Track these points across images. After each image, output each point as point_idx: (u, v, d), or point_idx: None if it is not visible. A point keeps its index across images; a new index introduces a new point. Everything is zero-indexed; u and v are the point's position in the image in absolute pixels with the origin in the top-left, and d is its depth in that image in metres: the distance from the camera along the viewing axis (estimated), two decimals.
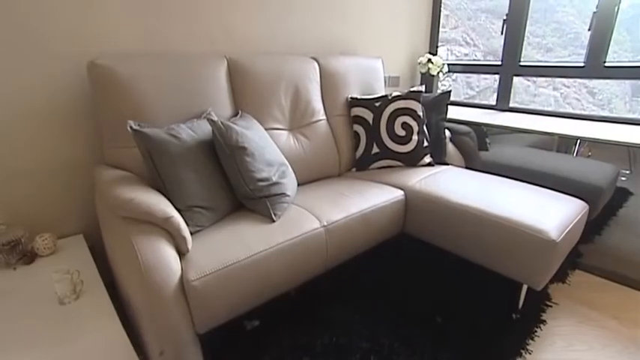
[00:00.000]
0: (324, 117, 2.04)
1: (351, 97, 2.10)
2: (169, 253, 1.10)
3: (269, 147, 1.56)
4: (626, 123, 2.23)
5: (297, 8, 2.12)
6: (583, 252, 2.08)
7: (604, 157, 2.34)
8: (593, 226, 2.27)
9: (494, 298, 1.65)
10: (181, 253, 1.18)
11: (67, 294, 1.16)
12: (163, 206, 1.16)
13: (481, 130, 2.38)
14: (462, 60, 5.54)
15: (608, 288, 1.85)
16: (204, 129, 1.44)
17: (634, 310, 1.68)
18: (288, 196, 1.49)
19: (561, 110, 2.58)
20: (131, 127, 1.24)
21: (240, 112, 1.70)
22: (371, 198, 1.67)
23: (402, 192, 1.78)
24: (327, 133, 2.02)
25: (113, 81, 1.38)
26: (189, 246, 1.19)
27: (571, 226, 1.50)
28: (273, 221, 1.40)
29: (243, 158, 1.38)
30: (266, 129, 1.74)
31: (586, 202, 1.71)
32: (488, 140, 2.44)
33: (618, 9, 2.19)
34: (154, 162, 1.27)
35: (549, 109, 2.58)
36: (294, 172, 1.69)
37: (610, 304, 1.73)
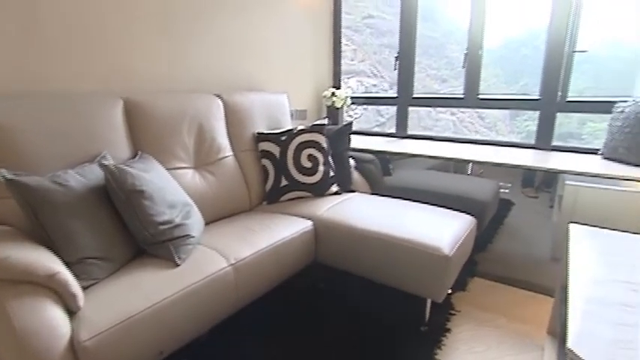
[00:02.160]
0: (231, 153, 2.05)
1: (258, 132, 2.14)
2: (55, 315, 1.00)
3: (171, 188, 1.52)
4: (507, 146, 2.59)
5: (200, 46, 2.14)
6: (478, 260, 2.30)
7: (493, 175, 2.67)
8: (486, 236, 2.55)
9: (403, 315, 1.76)
10: (72, 311, 1.08)
11: None
12: (47, 262, 1.06)
13: (384, 157, 2.56)
14: (368, 92, 5.94)
15: (499, 290, 2.07)
16: (96, 174, 1.36)
17: (520, 307, 1.90)
18: (193, 237, 1.45)
19: (455, 135, 2.91)
20: (4, 177, 1.13)
21: (139, 153, 1.63)
22: (280, 231, 1.69)
23: (310, 222, 1.83)
24: (234, 168, 2.02)
25: None
26: (81, 303, 1.10)
27: (462, 240, 1.67)
28: (177, 265, 1.35)
29: (141, 202, 1.33)
30: (169, 169, 1.69)
31: (474, 216, 1.92)
32: (391, 166, 2.64)
33: (482, 51, 2.56)
34: (35, 213, 1.16)
35: (448, 132, 2.91)
36: (201, 211, 1.65)
37: (501, 304, 1.93)
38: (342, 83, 3.27)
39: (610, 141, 2.09)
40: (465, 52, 2.60)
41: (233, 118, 2.09)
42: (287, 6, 2.69)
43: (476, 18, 2.55)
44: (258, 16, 2.48)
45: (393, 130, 3.07)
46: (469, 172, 2.78)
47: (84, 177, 1.31)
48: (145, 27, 1.87)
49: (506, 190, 2.79)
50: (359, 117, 5.64)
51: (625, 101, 2.04)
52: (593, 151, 2.26)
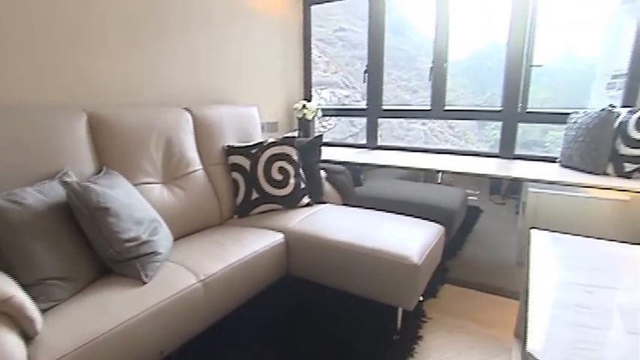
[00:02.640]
0: (201, 167, 2.03)
1: (228, 146, 2.13)
2: (8, 341, 0.95)
3: (138, 204, 1.49)
4: (473, 155, 2.70)
5: (169, 59, 2.12)
6: (449, 267, 2.35)
7: (462, 183, 2.75)
8: (456, 243, 2.61)
9: (376, 325, 1.77)
10: (29, 337, 1.03)
11: None
12: (0, 285, 1.01)
13: (355, 168, 2.60)
14: (341, 102, 6.01)
15: (469, 296, 2.12)
16: (57, 191, 1.32)
17: (489, 312, 1.95)
18: (160, 253, 1.42)
19: (426, 144, 2.99)
20: None
21: (104, 168, 1.59)
22: (251, 244, 1.68)
23: (282, 235, 1.83)
24: (204, 182, 2.00)
25: None
26: (39, 327, 1.05)
27: (430, 248, 1.71)
28: (144, 283, 1.31)
29: (106, 219, 1.29)
30: (136, 184, 1.66)
31: (443, 224, 1.97)
32: (362, 176, 2.68)
33: (447, 65, 2.66)
34: None
35: (420, 141, 2.98)
36: (170, 226, 1.63)
37: (471, 310, 1.97)
38: (314, 94, 3.31)
39: (566, 150, 2.20)
40: (431, 65, 2.69)
41: (202, 132, 2.08)
42: (258, 20, 2.72)
43: (440, 33, 2.66)
44: (229, 30, 2.50)
45: (364, 141, 3.13)
46: (439, 181, 2.85)
47: (43, 194, 1.27)
48: (112, 39, 1.85)
49: (475, 198, 2.87)
50: (332, 127, 5.70)
51: (577, 112, 2.16)
52: (552, 159, 2.37)
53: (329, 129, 5.47)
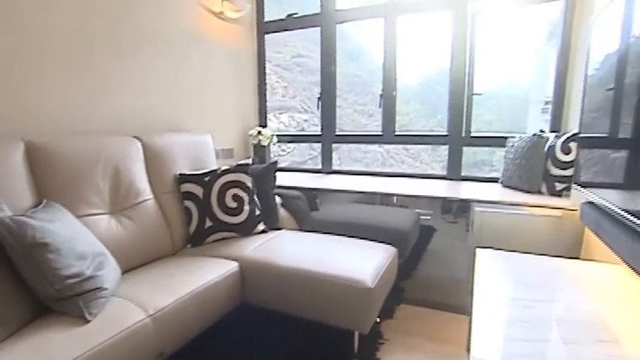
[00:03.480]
0: (151, 196, 1.98)
1: (180, 174, 2.10)
2: None
3: (81, 237, 1.42)
4: (424, 177, 2.86)
5: (118, 86, 2.08)
6: (404, 287, 2.41)
7: (415, 204, 2.84)
8: (411, 263, 2.67)
9: (334, 349, 1.77)
10: None
11: None
12: None
13: (311, 192, 2.63)
14: (300, 126, 6.09)
15: (425, 315, 2.17)
16: None
17: (445, 330, 2.01)
18: (106, 289, 1.36)
19: (383, 165, 3.08)
20: None
21: (44, 201, 1.51)
22: (204, 275, 1.64)
23: (236, 263, 1.80)
24: (155, 212, 1.94)
25: None
26: None
27: (383, 270, 1.75)
28: (88, 321, 1.24)
29: (45, 256, 1.22)
30: (81, 216, 1.58)
31: (397, 245, 2.03)
32: (318, 201, 2.71)
33: (396, 92, 2.81)
34: None
35: (377, 162, 3.07)
36: (118, 259, 1.56)
37: (427, 328, 2.03)
38: (273, 118, 3.36)
39: (506, 171, 2.37)
40: (381, 93, 2.82)
41: (153, 160, 2.04)
42: (212, 47, 2.75)
43: (388, 63, 2.81)
44: (183, 57, 2.50)
45: (313, 167, 3.19)
46: (394, 203, 2.93)
47: None
48: (56, 63, 1.79)
49: (429, 217, 2.98)
50: (292, 151, 5.75)
51: (514, 137, 2.34)
52: (494, 180, 2.53)
53: (288, 152, 5.51)
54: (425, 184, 2.62)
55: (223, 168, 2.13)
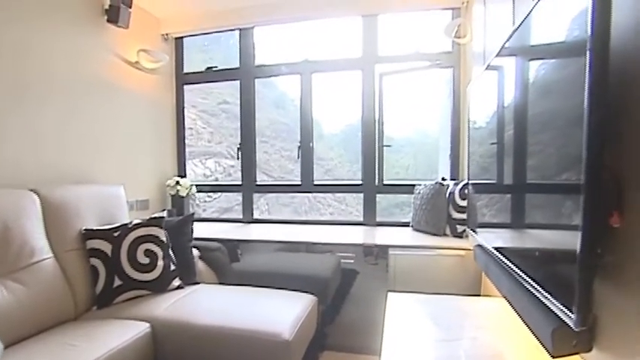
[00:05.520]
0: (50, 255, 1.80)
1: (86, 229, 1.95)
2: None
3: None
4: (343, 224, 2.97)
5: (16, 134, 1.92)
6: (328, 333, 2.41)
7: (339, 249, 2.90)
8: (334, 308, 2.69)
9: None
10: None
11: None
12: None
13: (232, 243, 2.58)
14: (226, 172, 6.03)
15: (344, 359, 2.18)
16: None
17: None
18: None
19: (310, 209, 3.14)
20: None
21: None
22: (109, 340, 1.50)
23: (147, 324, 1.68)
24: (54, 272, 1.76)
25: None
26: None
27: (302, 321, 1.75)
28: None
29: None
30: None
31: (318, 293, 2.05)
32: (239, 251, 2.66)
33: (313, 144, 2.96)
34: None
35: (305, 206, 3.11)
36: (5, 329, 1.40)
37: None
38: (199, 164, 3.30)
39: (415, 216, 2.57)
40: (298, 144, 2.95)
41: (54, 216, 1.87)
42: (125, 96, 2.68)
43: (305, 115, 2.97)
44: (93, 105, 2.40)
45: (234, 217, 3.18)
46: (317, 249, 2.98)
47: None
48: None
49: (351, 261, 3.06)
50: (218, 197, 5.63)
51: (420, 184, 2.57)
52: (406, 224, 2.72)
53: (215, 198, 5.39)
54: (345, 230, 2.73)
55: (135, 222, 2.03)
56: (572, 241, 0.67)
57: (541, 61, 0.93)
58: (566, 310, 0.70)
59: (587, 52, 0.63)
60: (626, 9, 0.63)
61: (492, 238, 1.34)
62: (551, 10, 0.85)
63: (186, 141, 3.30)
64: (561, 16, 0.78)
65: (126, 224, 2.01)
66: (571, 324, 0.69)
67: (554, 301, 0.76)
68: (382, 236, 2.50)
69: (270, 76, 3.17)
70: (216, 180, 4.84)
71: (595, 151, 0.63)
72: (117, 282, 1.88)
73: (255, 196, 3.19)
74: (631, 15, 0.62)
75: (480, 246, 1.53)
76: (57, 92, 2.17)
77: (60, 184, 2.06)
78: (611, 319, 0.67)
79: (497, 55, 1.23)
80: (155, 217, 2.07)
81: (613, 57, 0.65)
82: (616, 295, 0.66)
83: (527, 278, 0.91)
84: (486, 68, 1.38)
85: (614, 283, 0.66)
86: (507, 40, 1.12)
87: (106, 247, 1.91)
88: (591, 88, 0.63)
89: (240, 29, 3.04)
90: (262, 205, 5.15)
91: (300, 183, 2.99)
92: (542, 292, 0.82)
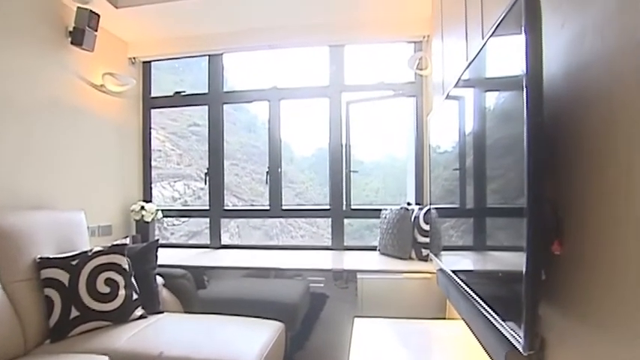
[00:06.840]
0: None
1: (40, 258, 1.86)
2: None
3: None
4: (312, 249, 2.97)
5: None
6: (297, 359, 2.37)
7: (308, 273, 2.89)
8: (303, 333, 2.66)
9: None
10: None
11: None
12: None
13: (198, 270, 2.53)
14: (196, 195, 5.92)
15: None
16: None
17: None
18: None
19: (281, 233, 3.12)
20: None
21: None
22: None
23: (106, 357, 1.60)
24: (1, 305, 1.66)
25: None
26: None
27: (269, 349, 1.73)
28: None
29: None
30: None
31: (285, 319, 2.03)
32: (206, 278, 2.60)
33: (281, 170, 2.99)
34: None
35: (276, 229, 3.10)
36: None
37: None
38: (167, 187, 3.24)
39: (382, 239, 2.62)
40: (267, 170, 2.97)
41: (5, 243, 1.77)
42: (89, 119, 2.62)
43: (273, 141, 3.01)
44: (54, 128, 2.33)
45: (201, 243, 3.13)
46: (286, 275, 2.95)
47: None
48: None
49: (321, 285, 3.05)
50: (187, 220, 5.50)
51: (385, 209, 2.63)
52: (373, 248, 2.76)
53: (184, 221, 5.27)
54: (314, 255, 2.74)
55: (96, 249, 1.96)
56: (519, 263, 0.70)
57: (492, 93, 1.01)
58: (515, 334, 0.74)
59: (524, 89, 0.69)
60: (558, 57, 0.71)
61: (451, 262, 1.40)
62: (496, 49, 0.93)
63: (154, 163, 3.25)
64: (504, 54, 0.86)
65: (86, 252, 1.93)
66: (520, 348, 0.72)
67: (504, 325, 0.80)
68: (350, 261, 2.52)
69: (239, 102, 3.20)
70: (185, 203, 4.75)
71: (535, 182, 0.68)
72: (74, 313, 1.79)
73: (226, 219, 3.15)
74: (561, 63, 0.70)
75: (441, 270, 1.58)
76: (15, 114, 2.09)
77: (14, 210, 1.97)
78: (559, 343, 0.71)
79: (455, 86, 1.32)
80: (117, 244, 2.01)
81: (548, 98, 0.72)
82: (563, 320, 0.69)
83: (481, 301, 0.95)
84: (445, 98, 1.47)
85: (559, 308, 0.70)
86: (462, 73, 1.21)
87: (63, 276, 1.82)
88: (529, 125, 0.69)
89: (209, 55, 3.07)
90: (233, 227, 5.07)
91: (268, 208, 2.99)
92: (495, 315, 0.86)
